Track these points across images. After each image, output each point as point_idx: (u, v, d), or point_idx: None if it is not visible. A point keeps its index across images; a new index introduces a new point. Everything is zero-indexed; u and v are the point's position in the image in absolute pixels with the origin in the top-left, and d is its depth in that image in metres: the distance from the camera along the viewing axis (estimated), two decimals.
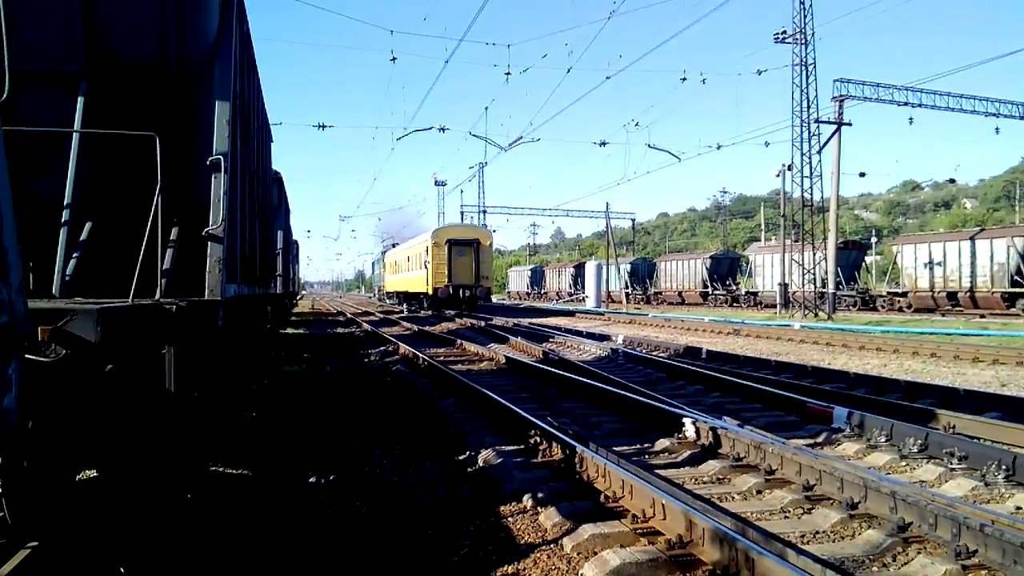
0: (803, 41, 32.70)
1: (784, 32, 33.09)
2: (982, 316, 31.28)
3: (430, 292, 37.22)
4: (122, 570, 4.03)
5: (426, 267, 37.85)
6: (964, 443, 6.86)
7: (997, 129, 38.51)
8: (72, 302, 4.40)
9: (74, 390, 3.72)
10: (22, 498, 3.89)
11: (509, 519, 5.23)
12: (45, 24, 5.90)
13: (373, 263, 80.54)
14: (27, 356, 3.24)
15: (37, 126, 5.86)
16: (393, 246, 60.88)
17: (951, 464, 6.49)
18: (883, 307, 38.69)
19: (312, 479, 6.20)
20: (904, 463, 6.80)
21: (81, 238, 5.80)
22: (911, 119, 37.66)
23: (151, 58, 6.20)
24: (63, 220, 5.70)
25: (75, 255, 5.67)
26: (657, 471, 6.34)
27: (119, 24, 6.07)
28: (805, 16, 32.59)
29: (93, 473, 5.23)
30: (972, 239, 33.77)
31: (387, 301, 61.21)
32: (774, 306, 39.46)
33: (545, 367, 12.80)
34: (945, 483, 6.11)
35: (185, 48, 6.24)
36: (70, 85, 5.98)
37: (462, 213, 67.10)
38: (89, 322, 3.62)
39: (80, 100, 5.92)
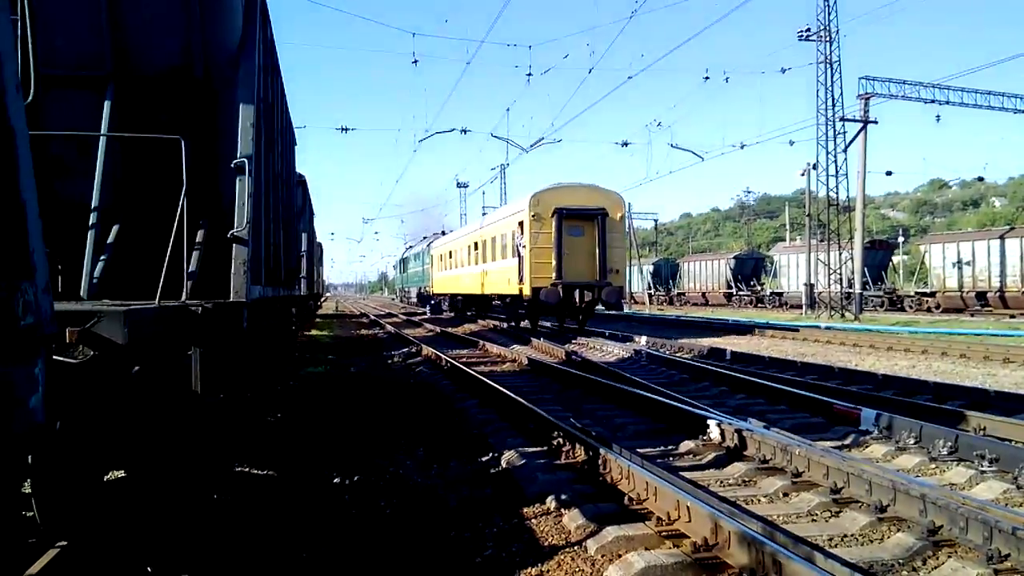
0: (827, 38, 32.39)
1: (808, 30, 32.78)
2: (1012, 316, 30.79)
3: (525, 294, 22.59)
4: (149, 569, 4.06)
5: (518, 254, 23.12)
6: (995, 445, 6.74)
7: None
8: (100, 304, 4.45)
9: (101, 391, 3.75)
10: (51, 498, 3.94)
11: (532, 520, 5.21)
12: (72, 29, 5.97)
13: (401, 261, 68.22)
14: (55, 358, 3.27)
15: (64, 130, 5.94)
16: (441, 234, 48.66)
17: (982, 466, 6.38)
18: (911, 307, 38.20)
19: (336, 480, 6.23)
20: (934, 465, 6.70)
21: (108, 240, 5.87)
22: (938, 116, 36.96)
23: (176, 62, 6.26)
24: (91, 223, 5.77)
25: (102, 257, 5.73)
26: (682, 473, 6.29)
27: (144, 29, 6.13)
28: (829, 13, 32.29)
29: (121, 474, 5.29)
30: (1002, 238, 33.26)
31: (414, 305, 55.10)
32: (799, 307, 39.10)
33: (568, 368, 12.77)
34: (976, 486, 6.01)
35: (210, 52, 6.29)
36: (97, 89, 6.05)
37: (483, 214, 51.41)
38: (116, 324, 3.65)
39: (107, 104, 5.98)
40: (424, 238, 56.29)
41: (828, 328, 24.57)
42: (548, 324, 25.73)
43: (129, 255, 5.91)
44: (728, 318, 32.13)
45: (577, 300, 22.35)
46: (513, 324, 26.39)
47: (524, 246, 22.35)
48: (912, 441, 7.29)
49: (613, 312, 25.26)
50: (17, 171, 2.31)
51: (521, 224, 22.78)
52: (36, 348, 2.36)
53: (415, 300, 54.11)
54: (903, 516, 5.11)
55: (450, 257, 37.75)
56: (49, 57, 5.75)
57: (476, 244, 30.43)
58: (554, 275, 21.66)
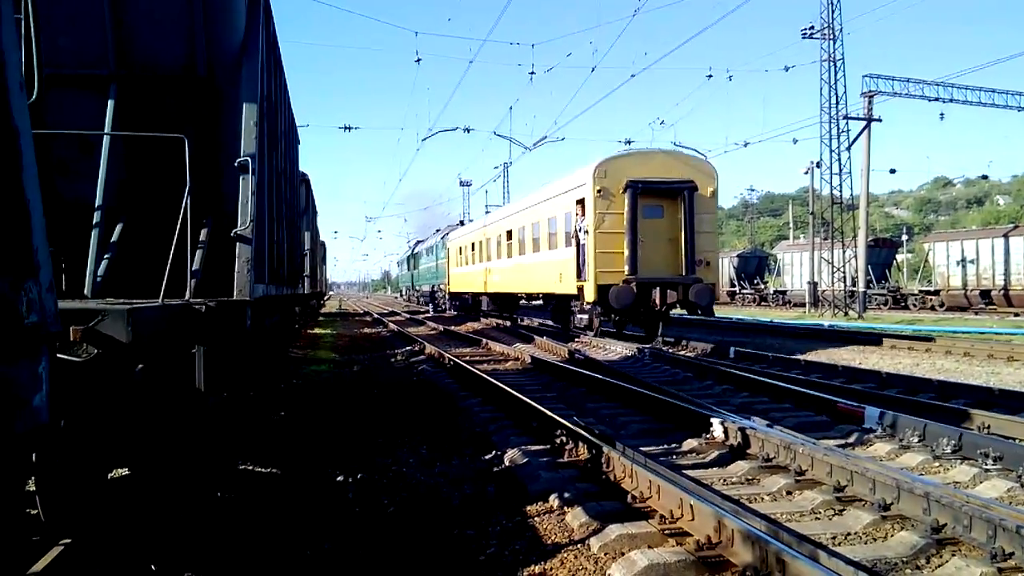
0: (831, 36, 32.32)
1: (812, 28, 32.71)
2: (1016, 315, 30.72)
3: (586, 294, 17.66)
4: (153, 568, 4.07)
5: (576, 242, 17.94)
6: (999, 443, 6.73)
7: None
8: (103, 302, 4.46)
9: (105, 389, 3.76)
10: (55, 496, 3.95)
11: (536, 519, 5.21)
12: (76, 28, 5.98)
13: (410, 257, 60.92)
14: (59, 356, 3.28)
15: (68, 129, 5.95)
16: (459, 224, 44.23)
17: (986, 465, 6.37)
18: (915, 306, 38.13)
19: (339, 477, 6.23)
20: (937, 464, 6.68)
21: (112, 239, 5.88)
22: (942, 114, 36.87)
23: (179, 61, 6.27)
24: (94, 222, 5.78)
25: (106, 256, 5.74)
26: (685, 472, 6.29)
27: (148, 27, 6.14)
28: (833, 11, 32.21)
29: (124, 472, 5.30)
30: (1006, 236, 33.20)
31: (418, 303, 52.97)
32: (803, 305, 39.04)
33: (571, 367, 12.76)
34: (980, 484, 6.00)
35: (213, 51, 6.30)
36: (100, 88, 6.06)
37: (486, 212, 45.07)
38: (120, 322, 3.66)
39: (110, 103, 6.00)
40: (437, 230, 50.61)
41: (831, 327, 24.53)
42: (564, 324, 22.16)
43: (133, 254, 5.92)
44: (732, 315, 32.09)
45: (657, 301, 16.78)
46: (569, 330, 20.38)
47: (586, 231, 17.07)
48: (916, 439, 7.28)
49: (689, 315, 19.17)
50: (21, 170, 2.32)
51: (581, 203, 17.51)
52: (40, 347, 2.37)
53: (427, 299, 48.84)
54: (907, 514, 5.11)
55: (472, 250, 32.52)
56: (53, 56, 5.75)
57: (510, 233, 25.45)
58: (627, 268, 16.54)
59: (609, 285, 16.69)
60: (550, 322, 24.60)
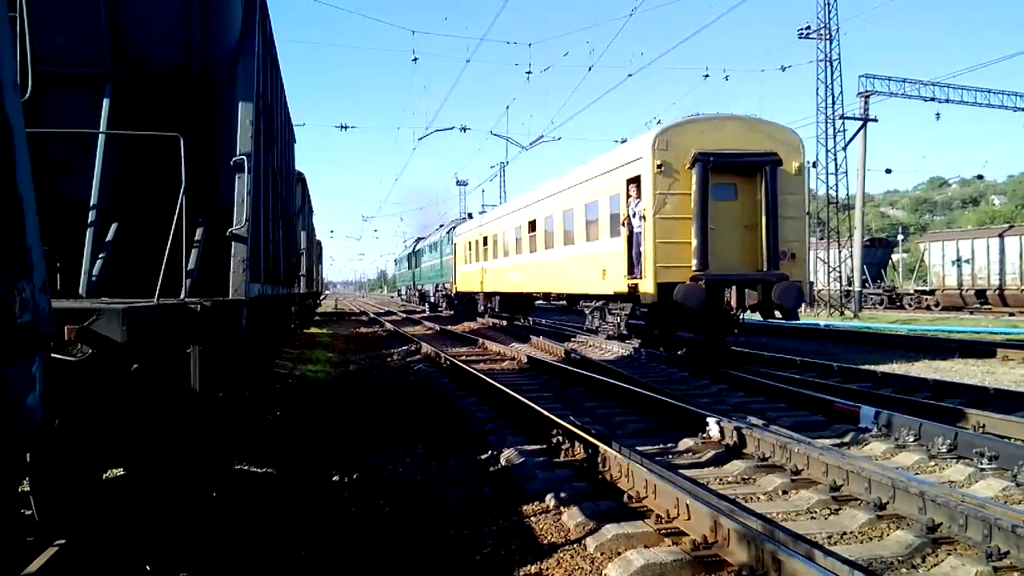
0: (827, 36, 32.36)
1: (808, 28, 32.75)
2: (1011, 314, 30.79)
3: (644, 294, 14.07)
4: (148, 568, 4.06)
5: (629, 230, 14.57)
6: (994, 443, 6.74)
7: None
8: (98, 302, 4.44)
9: (100, 389, 3.75)
10: (50, 496, 3.94)
11: (532, 518, 5.21)
12: (71, 27, 5.96)
13: (411, 255, 55.86)
14: (53, 355, 3.27)
15: (63, 128, 5.93)
16: (468, 217, 41.03)
17: (981, 464, 6.38)
18: (910, 305, 38.22)
19: (335, 478, 6.22)
20: (933, 463, 6.69)
21: (107, 238, 5.87)
22: (938, 114, 36.92)
23: (175, 60, 6.25)
24: (89, 221, 5.77)
25: (101, 255, 5.73)
26: (681, 471, 6.29)
27: (143, 26, 6.13)
28: (829, 11, 32.25)
29: (119, 472, 5.28)
30: (1001, 236, 33.29)
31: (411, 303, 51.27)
32: None
33: (567, 367, 12.76)
34: (975, 483, 6.01)
35: (209, 49, 6.29)
36: (96, 87, 6.04)
37: (482, 212, 43.19)
38: (115, 322, 3.65)
39: (106, 102, 5.98)
40: (441, 225, 46.96)
41: (827, 326, 24.53)
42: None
43: (128, 253, 5.91)
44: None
45: (732, 303, 13.31)
46: (637, 341, 16.08)
47: (642, 217, 13.73)
48: (911, 439, 7.29)
49: (773, 321, 14.78)
50: (14, 169, 2.31)
51: (636, 182, 14.13)
52: (33, 346, 2.36)
53: (432, 300, 44.84)
54: (902, 514, 5.11)
55: (484, 245, 28.73)
56: (48, 54, 5.74)
57: (533, 224, 21.84)
58: (695, 263, 13.15)
59: (672, 283, 13.10)
60: (577, 331, 20.79)
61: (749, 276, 13.56)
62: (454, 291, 35.76)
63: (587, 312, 18.79)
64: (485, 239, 28.76)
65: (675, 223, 13.50)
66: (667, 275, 13.40)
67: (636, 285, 14.16)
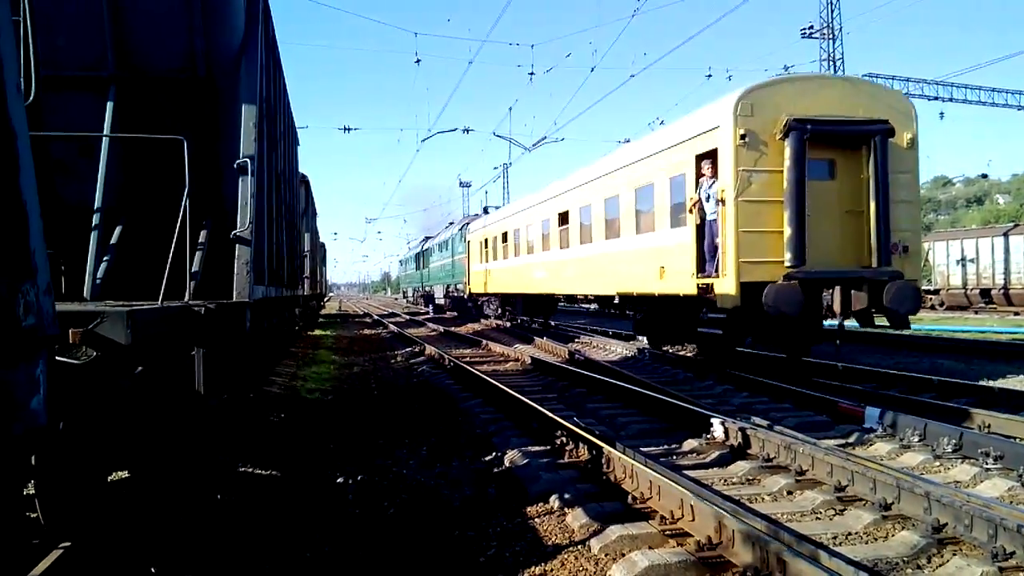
0: (831, 36, 32.37)
1: (811, 27, 32.77)
2: (1016, 313, 30.70)
3: (720, 295, 11.13)
4: (153, 570, 4.07)
5: (696, 217, 11.81)
6: (1000, 443, 6.72)
7: None
8: (103, 305, 4.45)
9: (105, 392, 3.76)
10: (55, 499, 3.95)
11: (536, 520, 5.20)
12: (75, 30, 5.98)
13: (419, 255, 52.88)
14: (58, 358, 3.28)
15: (67, 131, 5.95)
16: (484, 212, 37.31)
17: (986, 464, 6.36)
18: None
19: (339, 480, 6.22)
20: (938, 463, 6.68)
21: (112, 241, 5.88)
22: (942, 114, 36.92)
23: (179, 62, 6.27)
24: (93, 224, 5.78)
25: (105, 258, 5.75)
26: (685, 472, 6.28)
27: (147, 29, 6.15)
28: (832, 11, 32.26)
29: (124, 474, 5.29)
30: (1006, 235, 33.17)
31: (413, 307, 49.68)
32: None
33: (571, 368, 12.76)
34: (980, 483, 5.99)
35: (212, 52, 6.30)
36: (100, 90, 6.06)
37: (484, 212, 39.16)
38: (119, 324, 3.66)
39: (109, 105, 6.00)
40: (451, 223, 44.85)
41: (829, 326, 24.43)
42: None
43: (132, 256, 5.92)
44: None
45: (836, 306, 10.70)
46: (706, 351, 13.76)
47: (719, 200, 11.10)
48: (916, 439, 7.27)
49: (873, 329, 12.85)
50: (18, 172, 2.31)
51: (710, 158, 11.55)
52: (37, 349, 2.36)
53: (439, 303, 43.06)
54: (907, 514, 5.10)
55: (504, 242, 26.09)
56: (52, 58, 5.76)
57: (564, 216, 19.13)
58: (789, 257, 10.57)
59: (760, 283, 10.50)
60: (613, 341, 18.34)
61: (855, 274, 10.92)
62: (467, 292, 32.99)
63: (637, 317, 16.12)
64: (504, 235, 26.09)
65: (762, 207, 10.88)
66: (753, 272, 10.74)
67: (709, 285, 11.42)
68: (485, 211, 36.67)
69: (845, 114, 11.03)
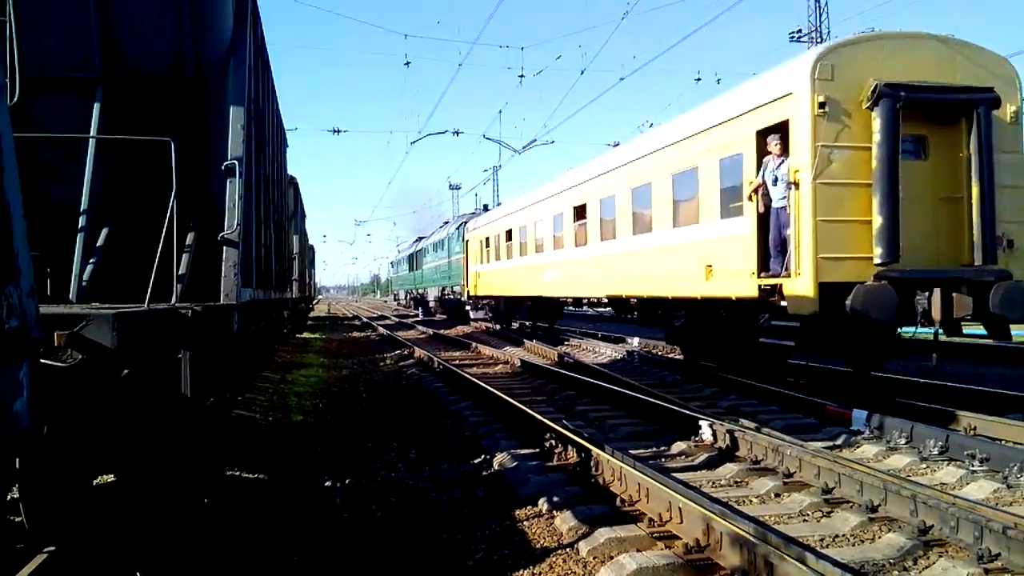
0: (818, 40, 32.53)
1: (799, 31, 32.96)
2: None
3: (792, 298, 9.19)
4: (138, 574, 4.04)
5: (765, 202, 9.87)
6: (986, 445, 6.77)
7: None
8: (89, 307, 4.43)
9: (90, 395, 3.73)
10: (39, 503, 3.91)
11: (525, 523, 5.20)
12: (62, 31, 5.94)
13: (407, 257, 51.94)
14: (43, 361, 3.25)
15: (54, 132, 5.91)
16: (484, 209, 35.39)
17: (972, 466, 6.40)
18: None
19: (327, 483, 6.20)
20: (924, 465, 6.71)
21: (98, 243, 5.84)
22: None
23: (166, 63, 6.23)
24: (80, 226, 5.74)
25: (92, 260, 5.71)
26: (674, 474, 6.29)
27: (134, 30, 6.11)
28: (820, 15, 32.45)
29: (110, 478, 5.26)
30: None
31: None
32: None
33: (560, 370, 12.76)
34: (967, 485, 6.03)
35: (200, 53, 6.27)
36: (87, 91, 6.02)
37: (475, 213, 37.10)
38: (105, 327, 3.63)
39: (96, 106, 5.96)
40: (446, 223, 42.97)
41: None
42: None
43: (119, 258, 5.88)
44: None
45: (936, 312, 8.95)
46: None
47: (790, 184, 9.42)
48: (903, 441, 7.31)
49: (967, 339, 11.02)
50: (1, 173, 2.30)
51: (779, 132, 9.81)
52: (20, 352, 2.34)
53: (434, 306, 40.73)
54: (894, 516, 5.12)
55: (508, 240, 24.02)
56: (38, 59, 5.72)
57: (581, 210, 17.05)
58: (881, 252, 8.90)
59: (842, 284, 8.83)
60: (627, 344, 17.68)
61: (955, 273, 9.20)
62: (465, 295, 30.74)
63: (676, 324, 13.66)
64: (509, 233, 23.88)
65: (846, 191, 9.09)
66: (834, 271, 8.98)
67: (775, 287, 9.62)
68: (485, 208, 34.49)
69: (941, 80, 9.26)
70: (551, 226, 19.58)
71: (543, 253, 20.45)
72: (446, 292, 36.50)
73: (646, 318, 15.94)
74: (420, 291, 46.02)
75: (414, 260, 48.65)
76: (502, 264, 24.91)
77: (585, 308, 25.18)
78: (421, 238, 49.24)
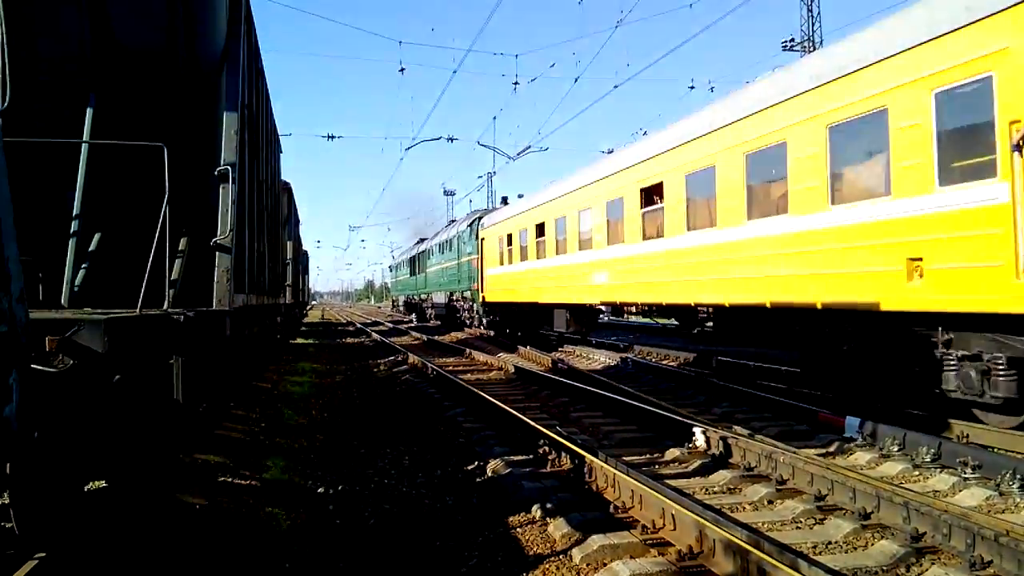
0: (812, 49, 32.66)
1: (792, 40, 33.10)
2: None
3: None
4: None
5: None
6: (978, 452, 6.78)
7: None
8: (80, 312, 4.41)
9: (82, 400, 3.71)
10: (30, 508, 3.89)
11: (518, 529, 5.19)
12: (54, 36, 5.92)
13: (407, 260, 47.79)
14: (34, 366, 3.23)
15: (46, 137, 5.89)
16: (502, 202, 29.90)
17: (965, 473, 6.41)
18: None
19: (320, 490, 6.18)
20: (917, 472, 6.72)
21: (90, 248, 5.81)
22: None
23: (160, 69, 6.22)
24: (72, 230, 5.72)
25: (84, 265, 5.68)
26: (667, 481, 6.28)
27: (128, 35, 6.09)
28: (813, 24, 32.60)
29: (101, 484, 5.22)
30: None
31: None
32: None
33: (554, 377, 12.75)
34: (959, 492, 6.04)
35: (193, 58, 6.26)
36: (80, 95, 6.00)
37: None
38: (96, 332, 3.62)
39: (89, 111, 5.94)
40: (451, 221, 39.24)
41: None
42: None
43: (111, 263, 5.86)
44: None
45: None
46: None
47: None
48: (896, 448, 7.31)
49: None
50: None
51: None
52: (10, 357, 2.33)
53: (430, 312, 37.92)
54: (887, 523, 5.13)
55: (539, 236, 20.11)
56: (31, 64, 5.71)
57: (651, 192, 13.52)
58: None
59: None
60: None
61: None
62: (480, 301, 26.64)
63: (844, 349, 9.22)
64: (540, 227, 19.91)
65: None
66: None
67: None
68: (504, 201, 29.88)
69: None
70: (602, 216, 15.62)
71: (589, 251, 16.45)
72: (454, 298, 32.41)
73: (731, 332, 12.65)
74: (423, 297, 41.87)
75: (416, 263, 44.15)
76: (527, 265, 21.16)
77: (618, 316, 21.68)
78: (423, 240, 45.22)
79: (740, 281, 10.64)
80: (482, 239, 26.59)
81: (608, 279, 15.52)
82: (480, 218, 28.11)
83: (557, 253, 18.77)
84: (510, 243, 22.89)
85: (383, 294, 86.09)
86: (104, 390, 3.94)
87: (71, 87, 6.03)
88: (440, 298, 35.47)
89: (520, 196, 26.48)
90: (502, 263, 23.73)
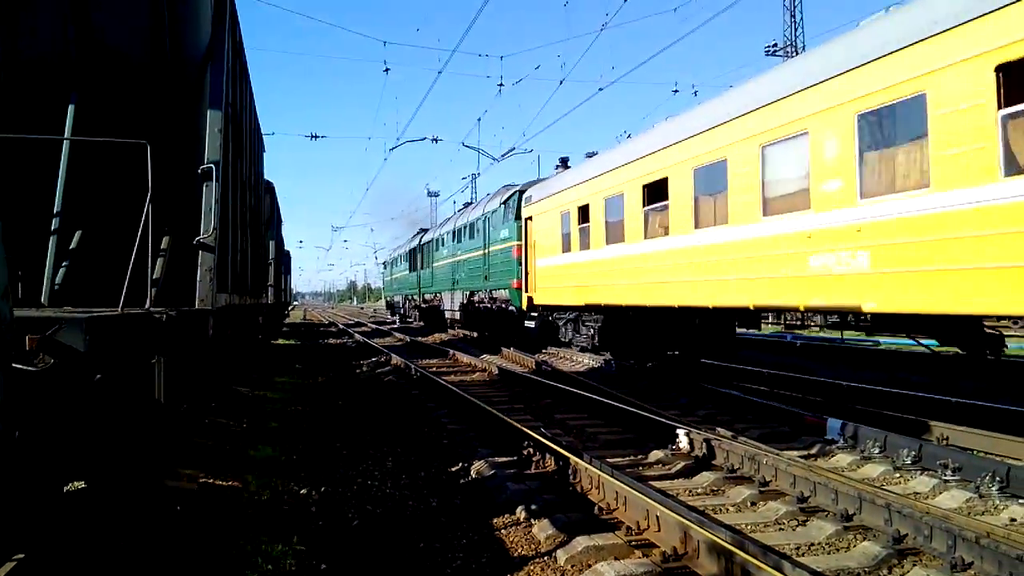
0: (794, 54, 32.92)
1: (775, 45, 33.35)
2: None
3: None
4: None
5: None
6: (958, 454, 6.84)
7: None
8: (61, 311, 4.35)
9: (62, 400, 3.67)
10: (9, 509, 3.83)
11: (502, 531, 5.18)
12: (37, 32, 5.86)
13: (408, 253, 38.92)
14: (14, 365, 3.19)
15: (28, 133, 5.82)
16: (560, 166, 21.19)
17: (945, 476, 6.47)
18: None
19: (302, 491, 6.14)
20: (898, 474, 6.77)
21: (71, 246, 5.75)
22: None
23: (143, 66, 6.17)
24: (52, 228, 5.65)
25: (64, 264, 5.61)
26: (651, 482, 6.30)
27: (112, 32, 6.04)
28: (796, 29, 32.86)
29: (81, 484, 5.16)
30: None
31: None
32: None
33: (538, 378, 12.75)
34: (939, 495, 6.09)
35: (177, 56, 6.21)
36: (62, 92, 5.94)
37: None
38: (77, 331, 3.57)
39: (71, 108, 5.88)
40: (467, 203, 32.36)
41: (793, 339, 24.78)
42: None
43: (93, 261, 5.79)
44: None
45: None
46: None
47: None
48: (877, 450, 7.37)
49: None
50: None
51: None
52: None
53: (444, 318, 30.03)
54: (869, 525, 5.17)
55: (652, 201, 12.38)
56: (12, 60, 5.64)
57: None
58: None
59: None
60: None
61: None
62: (524, 302, 19.63)
63: None
64: (655, 188, 12.32)
65: None
66: None
67: None
68: (564, 163, 21.53)
69: None
70: (750, 172, 9.55)
71: (715, 228, 10.46)
72: (477, 299, 24.51)
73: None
74: (429, 297, 33.43)
75: (418, 257, 35.95)
76: (597, 255, 14.72)
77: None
78: (425, 230, 37.88)
79: None
80: (527, 219, 19.48)
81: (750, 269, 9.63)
82: (521, 192, 20.55)
83: (642, 237, 12.60)
84: (585, 219, 15.35)
85: (366, 295, 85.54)
86: (85, 389, 3.89)
87: (53, 86, 5.96)
88: (456, 299, 27.49)
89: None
90: (558, 252, 17.00)
